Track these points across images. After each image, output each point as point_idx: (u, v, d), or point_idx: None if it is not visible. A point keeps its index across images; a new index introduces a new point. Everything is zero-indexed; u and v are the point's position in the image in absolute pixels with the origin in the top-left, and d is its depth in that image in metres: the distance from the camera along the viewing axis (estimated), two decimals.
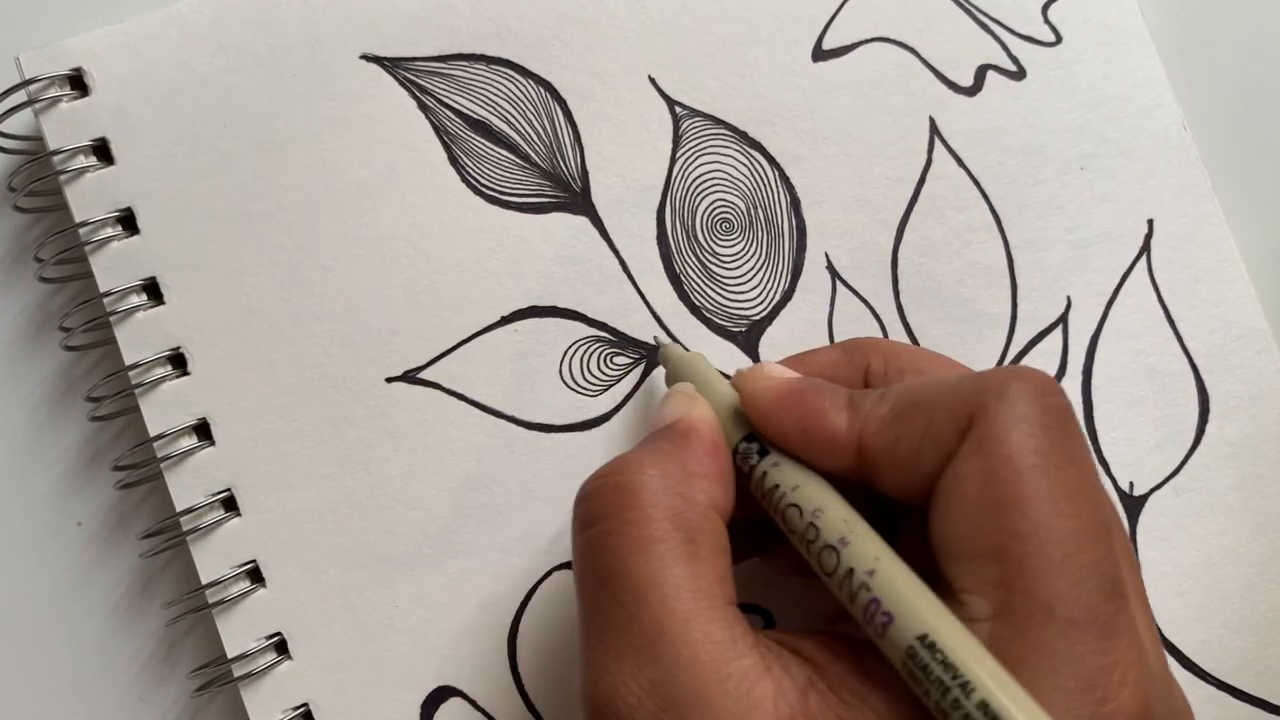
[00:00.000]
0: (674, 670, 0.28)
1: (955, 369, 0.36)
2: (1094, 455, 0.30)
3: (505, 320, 0.41)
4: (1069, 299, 0.43)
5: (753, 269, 0.42)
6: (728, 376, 0.37)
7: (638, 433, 0.41)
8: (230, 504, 0.40)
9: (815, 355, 0.38)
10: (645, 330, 0.41)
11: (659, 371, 0.41)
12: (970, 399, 0.30)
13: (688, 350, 0.40)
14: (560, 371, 0.41)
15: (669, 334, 0.42)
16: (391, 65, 0.41)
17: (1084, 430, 0.30)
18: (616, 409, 0.41)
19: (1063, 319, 0.43)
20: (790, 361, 0.38)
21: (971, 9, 0.43)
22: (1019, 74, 0.43)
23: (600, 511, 0.32)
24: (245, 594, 0.40)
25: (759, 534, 0.36)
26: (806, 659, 0.30)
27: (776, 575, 0.38)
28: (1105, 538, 0.28)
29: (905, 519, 0.33)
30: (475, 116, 0.42)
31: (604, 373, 0.41)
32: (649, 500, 0.31)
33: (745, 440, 0.34)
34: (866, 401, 0.32)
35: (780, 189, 0.42)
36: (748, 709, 0.28)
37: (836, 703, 0.28)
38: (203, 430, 0.40)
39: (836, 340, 0.42)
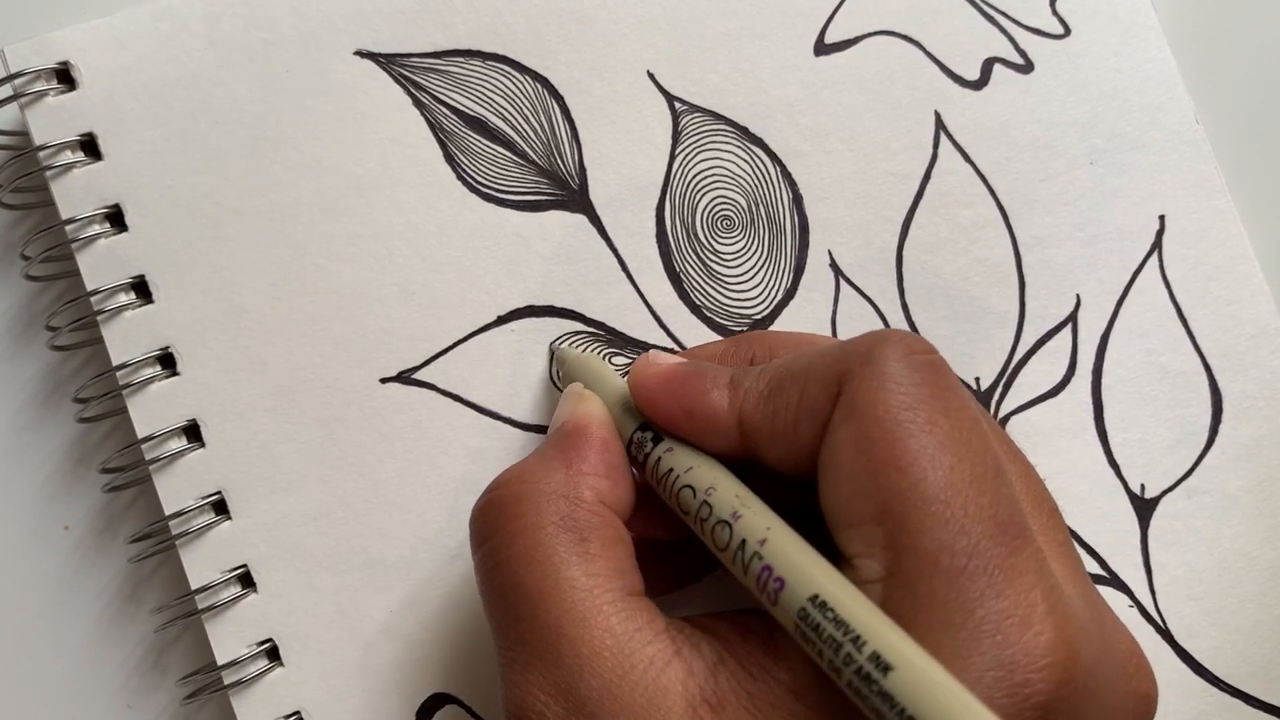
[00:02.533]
0: (576, 670, 0.29)
1: (833, 342, 0.36)
2: (970, 402, 0.30)
3: (502, 320, 0.41)
4: (1078, 297, 0.42)
5: (754, 267, 0.42)
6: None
7: None
8: (221, 507, 0.40)
9: (705, 348, 0.39)
10: (645, 330, 0.41)
11: None
12: (838, 364, 0.30)
13: (580, 350, 0.40)
14: (557, 372, 0.41)
15: (669, 333, 0.41)
16: (386, 61, 0.41)
17: (957, 382, 0.30)
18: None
19: (1072, 317, 0.42)
20: (683, 353, 0.39)
21: (977, 1, 0.43)
22: (1026, 67, 0.43)
23: (489, 528, 0.32)
24: (236, 599, 0.39)
25: (696, 556, 0.36)
26: (719, 637, 0.30)
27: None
28: (991, 483, 0.28)
29: (800, 496, 0.33)
30: (471, 113, 0.41)
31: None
32: (532, 508, 0.32)
33: (639, 430, 0.34)
34: (746, 379, 0.33)
35: (782, 185, 0.42)
36: (656, 694, 0.29)
37: (745, 677, 0.29)
38: (192, 432, 0.40)
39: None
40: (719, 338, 0.41)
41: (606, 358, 0.41)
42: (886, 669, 0.25)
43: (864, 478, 0.29)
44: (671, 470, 0.33)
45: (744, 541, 0.30)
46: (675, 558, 0.37)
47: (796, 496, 0.32)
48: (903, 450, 0.28)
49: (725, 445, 0.33)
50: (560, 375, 0.40)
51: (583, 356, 0.39)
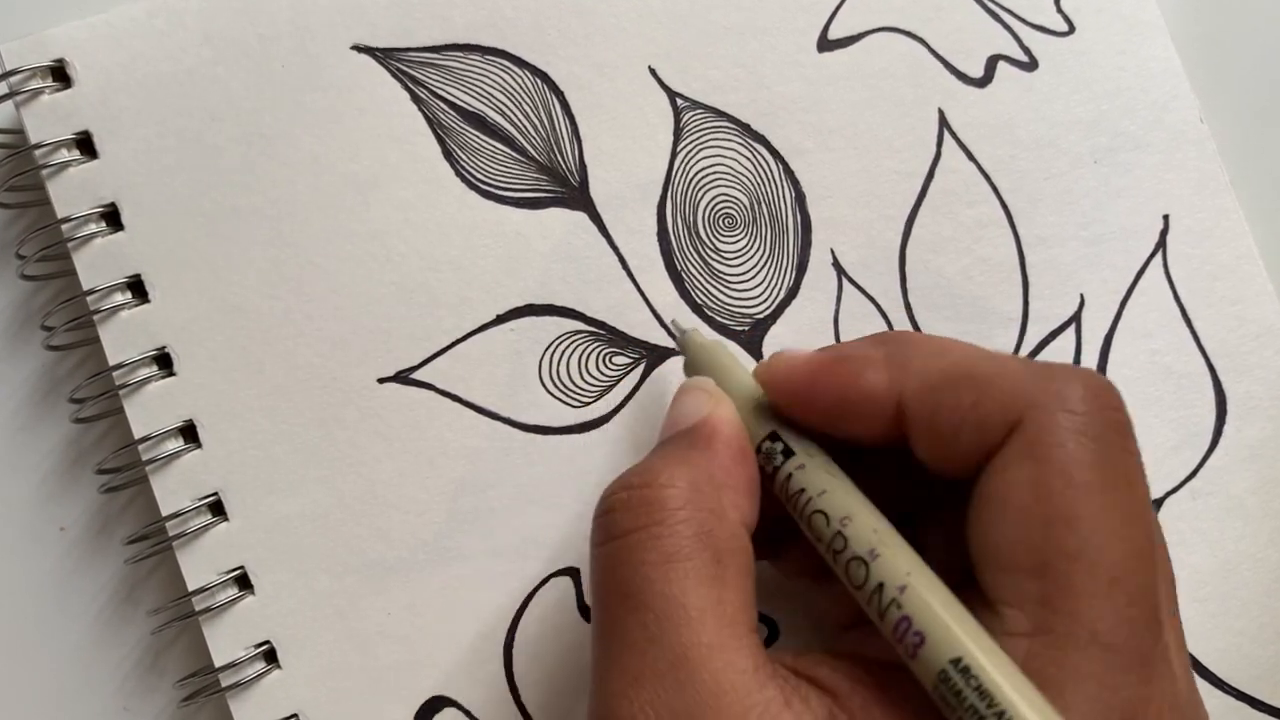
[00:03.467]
0: (696, 701, 0.27)
1: (1015, 359, 0.34)
2: (1145, 473, 0.29)
3: (501, 319, 0.40)
4: (1082, 297, 0.42)
5: (756, 266, 0.41)
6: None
7: (637, 435, 0.40)
8: (218, 508, 0.39)
9: (845, 346, 0.36)
10: (645, 329, 0.41)
11: (658, 372, 0.41)
12: (1027, 392, 0.29)
13: (706, 338, 0.39)
14: (557, 372, 0.40)
15: (669, 333, 0.41)
16: (383, 56, 0.41)
17: (1138, 447, 0.29)
18: (616, 410, 0.40)
19: (1076, 317, 0.42)
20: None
21: None
22: (1031, 65, 0.43)
23: (626, 524, 0.30)
24: (233, 601, 0.39)
25: (768, 535, 0.34)
26: (825, 689, 0.29)
27: (787, 578, 0.37)
28: (1154, 565, 0.28)
29: (938, 498, 0.32)
30: (470, 109, 0.41)
31: (603, 373, 0.41)
32: (678, 515, 0.30)
33: (769, 439, 0.33)
34: (915, 360, 0.31)
35: (784, 183, 0.42)
36: None
37: None
38: (189, 432, 0.40)
39: (842, 340, 0.41)
40: (720, 337, 0.41)
41: (605, 358, 0.40)
42: None
43: (1034, 527, 0.27)
44: (804, 491, 0.31)
45: (881, 585, 0.28)
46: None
47: (935, 492, 0.31)
48: (1083, 509, 0.27)
49: (877, 429, 0.31)
50: (684, 364, 0.38)
51: (710, 345, 0.37)
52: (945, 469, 0.30)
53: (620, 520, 0.30)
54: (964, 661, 0.26)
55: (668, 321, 0.41)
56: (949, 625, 0.27)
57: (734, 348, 0.41)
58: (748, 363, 0.40)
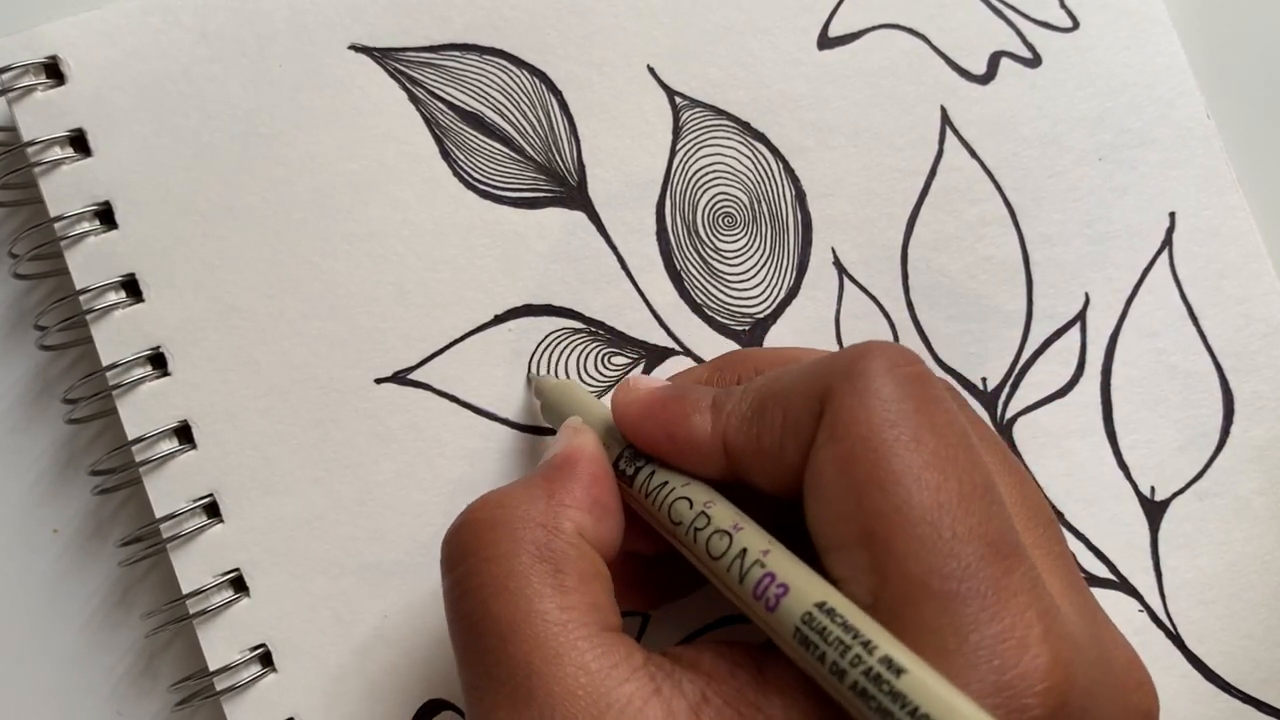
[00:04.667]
0: (548, 710, 0.28)
1: (815, 356, 0.35)
2: (963, 416, 0.30)
3: (499, 319, 0.40)
4: (1087, 295, 0.42)
5: (756, 265, 0.41)
6: None
7: None
8: (212, 510, 0.39)
9: (689, 373, 0.39)
10: (645, 329, 0.41)
11: (657, 372, 0.41)
12: (821, 382, 0.30)
13: (557, 379, 0.40)
14: (555, 372, 0.40)
15: (669, 333, 0.41)
16: (381, 56, 0.41)
17: (946, 395, 0.30)
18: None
19: (1080, 316, 0.42)
20: (667, 379, 0.38)
21: None
22: (1034, 61, 0.42)
23: (460, 552, 0.31)
24: (228, 604, 0.39)
25: (679, 572, 0.35)
26: (703, 673, 0.29)
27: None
28: (980, 501, 0.28)
29: (790, 526, 0.32)
30: (468, 108, 0.41)
31: (602, 373, 0.41)
32: (507, 535, 0.31)
33: (629, 449, 0.34)
34: (729, 400, 0.32)
35: (785, 182, 0.41)
36: None
37: (732, 715, 0.28)
38: (184, 433, 0.39)
39: (844, 340, 0.41)
40: (721, 337, 0.41)
41: (604, 358, 0.40)
42: (900, 670, 0.25)
43: (848, 500, 0.28)
44: (667, 483, 0.32)
45: (745, 550, 0.29)
46: (660, 572, 0.36)
47: (782, 520, 0.31)
48: (886, 470, 0.28)
49: (711, 469, 0.32)
50: (541, 408, 0.39)
51: (562, 384, 0.38)
52: (786, 490, 0.31)
53: (455, 549, 0.31)
54: (829, 604, 0.27)
55: (649, 338, 0.41)
56: (813, 576, 0.28)
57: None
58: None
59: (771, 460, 0.30)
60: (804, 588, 0.28)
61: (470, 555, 0.31)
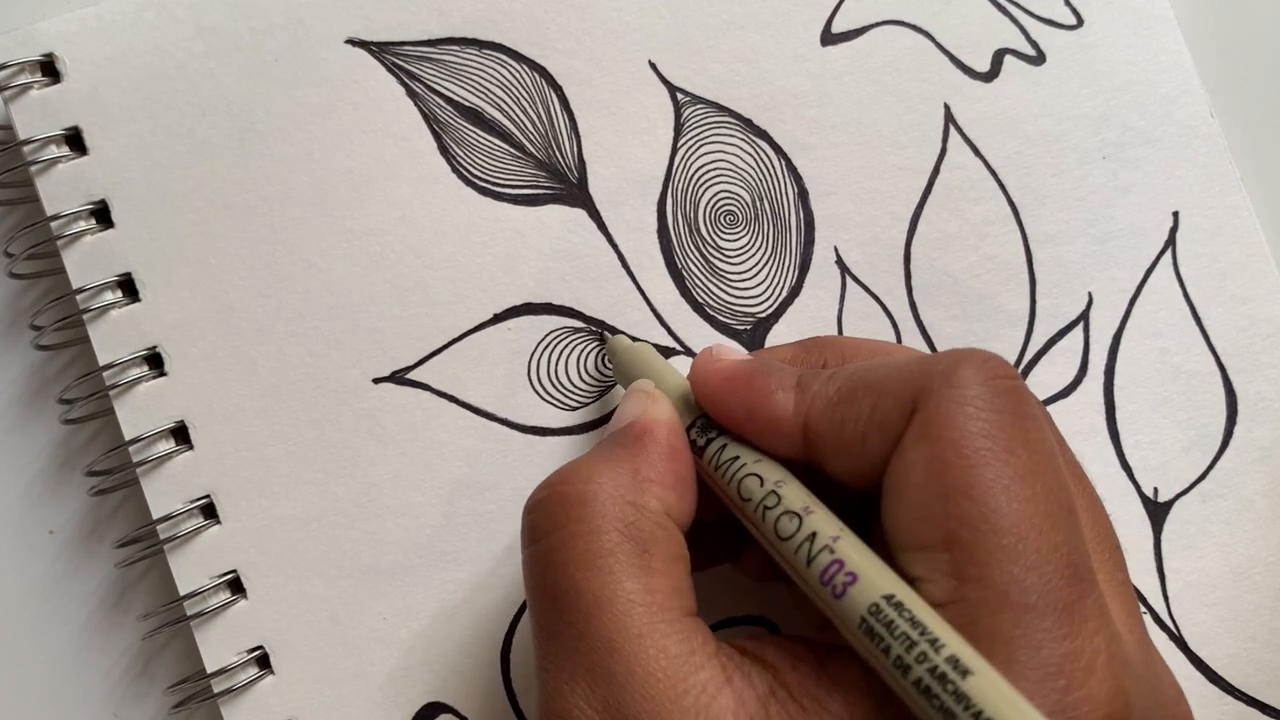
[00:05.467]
0: (628, 689, 0.28)
1: (910, 355, 0.35)
2: (1052, 436, 0.30)
3: (498, 318, 0.40)
4: (1090, 295, 0.42)
5: (758, 264, 0.41)
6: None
7: None
8: (209, 511, 0.39)
9: (774, 351, 0.38)
10: (645, 329, 0.41)
11: None
12: (916, 381, 0.30)
13: (635, 340, 0.40)
14: (555, 372, 0.40)
15: (670, 332, 0.41)
16: (379, 50, 0.40)
17: (1039, 411, 0.30)
18: (615, 411, 0.40)
19: (1084, 316, 0.42)
20: (751, 354, 0.37)
21: None
22: (1038, 59, 0.42)
23: (547, 524, 0.31)
24: (225, 606, 0.39)
25: (725, 539, 0.35)
26: (769, 666, 0.29)
27: (755, 581, 0.38)
28: (1065, 521, 0.28)
29: (859, 514, 0.32)
30: (466, 104, 0.41)
31: (602, 373, 0.40)
32: (598, 511, 0.31)
33: (702, 418, 0.34)
34: (815, 382, 0.32)
35: (787, 180, 0.41)
36: None
37: (796, 709, 0.28)
38: (180, 434, 0.39)
39: None
40: (722, 336, 0.41)
41: (604, 358, 0.40)
42: (966, 672, 0.25)
43: (935, 502, 0.28)
44: (738, 458, 0.32)
45: (815, 534, 0.29)
46: (704, 538, 0.36)
47: (850, 510, 0.31)
48: (978, 478, 0.28)
49: (787, 449, 0.32)
50: (612, 367, 0.39)
51: (637, 347, 0.38)
52: (861, 481, 0.31)
53: (542, 521, 0.31)
54: (897, 597, 0.27)
55: (648, 338, 0.40)
56: (882, 566, 0.28)
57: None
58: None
59: (852, 449, 0.30)
60: (873, 578, 0.28)
61: (558, 528, 0.31)
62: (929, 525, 0.28)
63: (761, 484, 0.31)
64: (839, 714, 0.28)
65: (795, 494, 0.30)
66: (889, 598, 0.27)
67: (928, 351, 0.35)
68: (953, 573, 0.27)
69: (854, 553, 0.28)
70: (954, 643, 0.26)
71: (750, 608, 0.40)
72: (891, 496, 0.29)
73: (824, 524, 0.29)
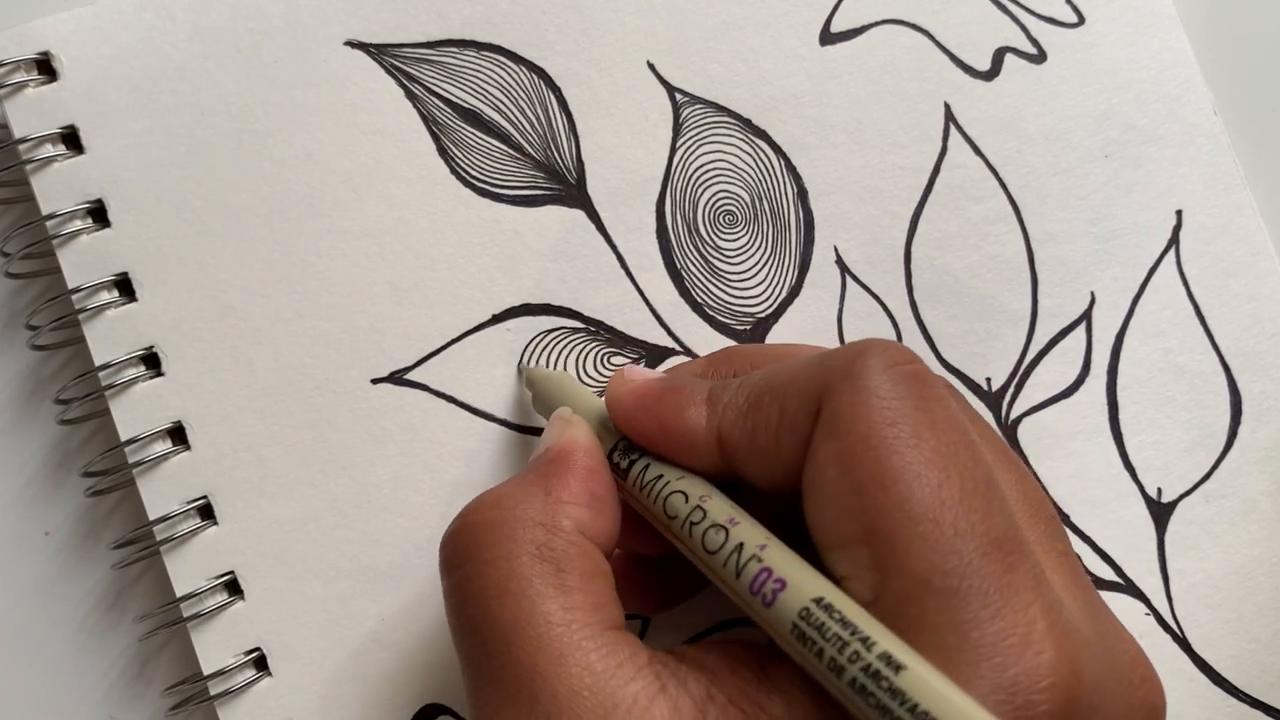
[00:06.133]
0: (554, 711, 0.28)
1: (813, 353, 0.35)
2: (962, 413, 0.30)
3: (497, 319, 0.40)
4: (1093, 295, 0.42)
5: (758, 264, 0.41)
6: None
7: None
8: (206, 512, 0.39)
9: (685, 367, 0.38)
10: (644, 329, 0.40)
11: None
12: (818, 379, 0.30)
13: (549, 370, 0.40)
14: (549, 364, 0.40)
15: (670, 332, 0.40)
16: (377, 52, 0.40)
17: (945, 392, 0.30)
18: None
19: (1086, 316, 0.42)
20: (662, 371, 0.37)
21: None
22: (1039, 57, 0.42)
23: (460, 556, 0.31)
24: (222, 607, 0.38)
25: (683, 575, 0.35)
26: (708, 671, 0.29)
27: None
28: (982, 498, 0.28)
29: (785, 521, 0.32)
30: (465, 105, 0.40)
31: (601, 374, 0.40)
32: (506, 536, 0.30)
33: (624, 440, 0.34)
34: (725, 393, 0.32)
35: (786, 179, 0.41)
36: None
37: (736, 713, 0.28)
38: (177, 434, 0.39)
39: (846, 340, 0.41)
40: (722, 336, 0.41)
41: (603, 358, 0.40)
42: (899, 667, 0.25)
43: (848, 497, 0.28)
44: (662, 476, 0.32)
45: (741, 545, 0.29)
46: (663, 575, 0.36)
47: (777, 516, 0.31)
48: (887, 467, 0.28)
49: (705, 462, 0.32)
50: (532, 399, 0.39)
51: (554, 376, 0.38)
52: (780, 486, 0.31)
53: (455, 554, 0.31)
54: (826, 599, 0.27)
55: (649, 337, 0.40)
56: (810, 570, 0.28)
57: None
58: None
59: (766, 456, 0.30)
60: (801, 582, 0.28)
61: (470, 559, 0.31)
62: (846, 521, 0.28)
63: (686, 500, 0.31)
64: (779, 716, 0.28)
65: (719, 507, 0.30)
66: (818, 600, 0.27)
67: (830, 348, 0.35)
68: (875, 566, 0.27)
69: (781, 559, 0.28)
70: (885, 639, 0.26)
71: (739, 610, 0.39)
72: (809, 497, 0.29)
73: (750, 533, 0.29)
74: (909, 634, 0.26)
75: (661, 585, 0.37)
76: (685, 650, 0.30)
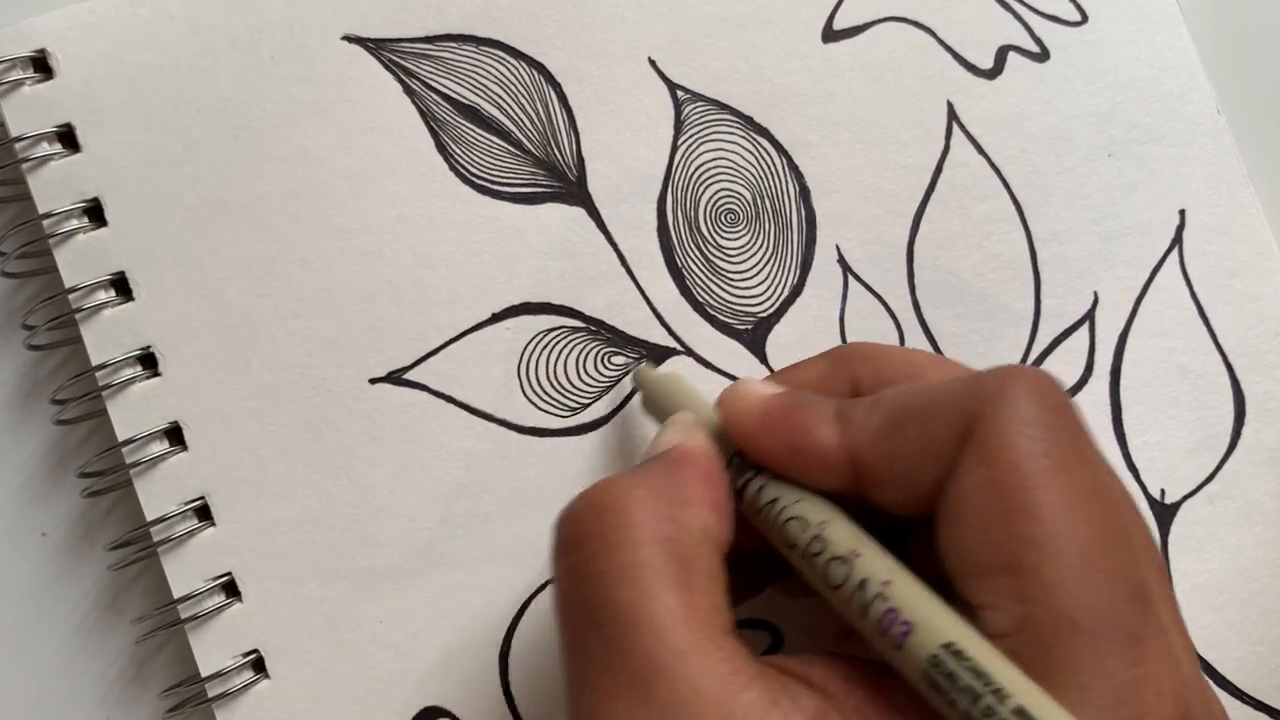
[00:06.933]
0: (671, 709, 0.26)
1: (949, 370, 0.35)
2: (1104, 454, 0.30)
3: (496, 318, 0.40)
4: (1096, 294, 0.42)
5: (759, 263, 0.41)
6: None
7: (636, 436, 0.40)
8: (204, 513, 0.39)
9: (800, 369, 0.37)
10: (645, 328, 0.40)
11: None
12: (967, 404, 0.29)
13: (660, 371, 0.39)
14: (554, 372, 0.40)
15: (670, 332, 0.40)
16: (375, 47, 0.40)
17: (1090, 429, 0.30)
18: (615, 412, 0.40)
19: (1089, 316, 0.41)
20: (775, 377, 0.37)
21: None
22: (1042, 55, 0.42)
23: (583, 536, 0.30)
24: (220, 609, 0.38)
25: (759, 569, 0.34)
26: (816, 688, 0.28)
27: (787, 597, 0.37)
28: (1126, 541, 0.28)
29: (908, 538, 0.31)
30: (464, 101, 0.40)
31: (601, 373, 0.40)
32: (637, 523, 0.29)
33: (736, 456, 0.33)
34: (857, 412, 0.31)
35: (788, 178, 0.41)
36: None
37: None
38: (174, 435, 0.39)
39: (848, 339, 0.41)
40: (722, 336, 0.40)
41: (603, 358, 0.40)
42: None
43: (996, 526, 0.27)
44: (777, 500, 0.31)
45: (865, 581, 0.28)
46: (740, 569, 0.35)
47: (896, 533, 0.30)
48: (1039, 499, 0.27)
49: (832, 483, 0.31)
50: (641, 399, 0.38)
51: (668, 377, 0.37)
52: (911, 510, 0.30)
53: (576, 533, 0.30)
54: (956, 645, 0.26)
55: (648, 337, 0.40)
56: (939, 611, 0.27)
57: (736, 349, 0.40)
58: (750, 363, 0.40)
59: (905, 479, 0.29)
60: (931, 625, 0.27)
61: (594, 539, 0.29)
62: (991, 549, 0.27)
63: (805, 528, 0.30)
64: None
65: (841, 535, 0.29)
66: (948, 646, 0.26)
67: (968, 367, 0.34)
68: (1017, 597, 0.26)
69: (909, 598, 0.27)
70: (1020, 690, 0.25)
71: (749, 611, 0.39)
72: (949, 522, 0.28)
73: (875, 566, 0.28)
74: (1049, 671, 0.26)
75: (736, 579, 0.36)
76: (787, 663, 0.29)
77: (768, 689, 0.27)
